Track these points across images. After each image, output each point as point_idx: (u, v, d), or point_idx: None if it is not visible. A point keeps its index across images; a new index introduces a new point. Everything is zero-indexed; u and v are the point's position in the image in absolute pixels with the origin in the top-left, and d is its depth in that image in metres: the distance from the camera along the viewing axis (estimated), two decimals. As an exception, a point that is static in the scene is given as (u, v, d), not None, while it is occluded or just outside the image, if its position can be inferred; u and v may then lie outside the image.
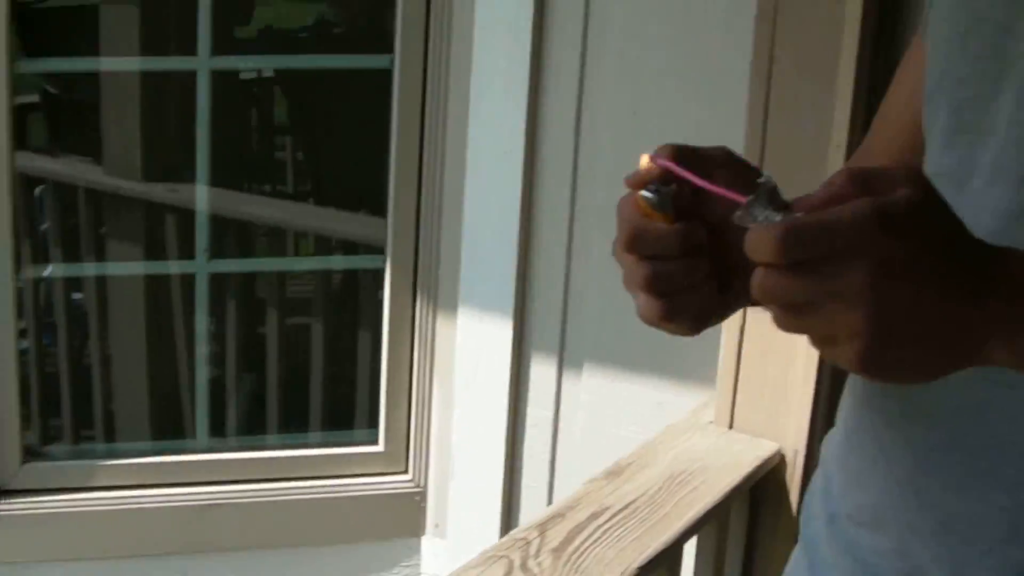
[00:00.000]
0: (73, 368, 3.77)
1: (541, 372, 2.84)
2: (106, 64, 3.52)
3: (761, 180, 0.85)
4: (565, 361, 2.79)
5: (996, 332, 0.83)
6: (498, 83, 2.74)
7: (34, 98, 4.71)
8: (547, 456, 2.88)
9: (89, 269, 3.59)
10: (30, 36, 4.64)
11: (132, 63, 3.54)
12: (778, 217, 0.82)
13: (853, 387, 1.21)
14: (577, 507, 2.05)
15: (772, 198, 0.84)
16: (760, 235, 0.80)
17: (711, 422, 2.38)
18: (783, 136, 2.15)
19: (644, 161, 0.97)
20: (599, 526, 1.99)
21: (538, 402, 2.86)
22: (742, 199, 0.85)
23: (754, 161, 2.17)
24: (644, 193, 0.95)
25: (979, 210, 1.04)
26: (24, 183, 3.65)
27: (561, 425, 2.85)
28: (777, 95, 2.13)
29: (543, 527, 1.97)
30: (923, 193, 0.82)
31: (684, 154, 0.98)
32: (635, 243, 0.96)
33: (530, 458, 2.92)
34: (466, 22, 2.80)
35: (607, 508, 2.04)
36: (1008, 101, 1.03)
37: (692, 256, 0.96)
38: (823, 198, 0.83)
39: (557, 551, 1.88)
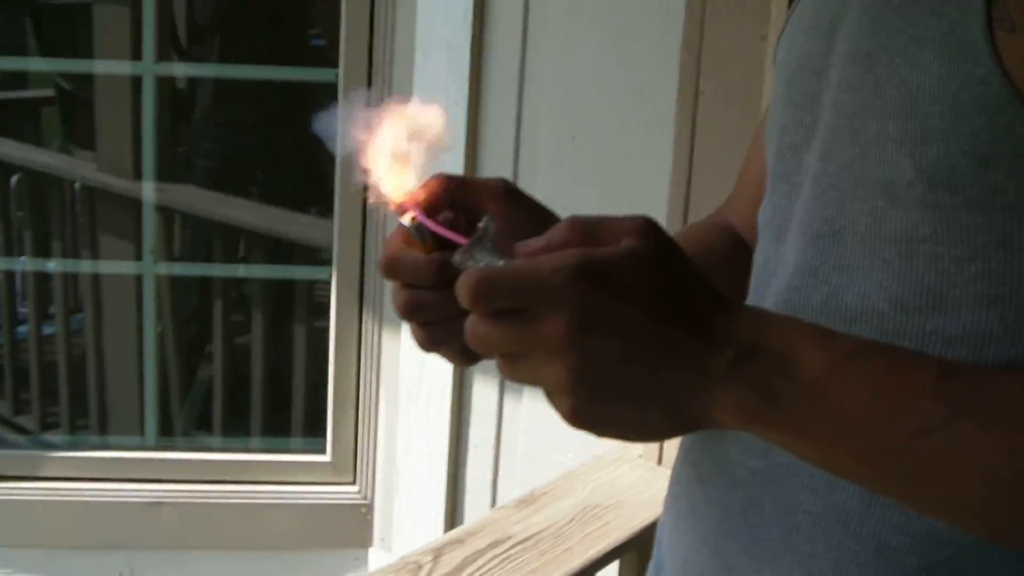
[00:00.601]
0: (33, 360, 3.79)
1: (483, 394, 2.83)
2: (59, 65, 3.54)
3: (481, 224, 0.82)
4: (506, 384, 2.77)
5: (719, 396, 0.79)
6: (438, 101, 2.73)
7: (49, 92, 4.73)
8: (489, 477, 2.87)
9: (41, 264, 3.58)
10: (44, 34, 4.68)
11: (85, 65, 3.54)
12: (500, 262, 0.80)
13: (681, 439, 1.19)
14: (479, 533, 2.02)
15: (498, 243, 0.82)
16: (461, 281, 0.78)
17: (640, 456, 2.35)
18: (709, 163, 2.14)
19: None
20: (497, 555, 1.95)
21: (480, 423, 2.84)
22: (463, 241, 0.83)
23: (682, 185, 2.17)
24: (403, 221, 0.92)
25: (786, 263, 1.02)
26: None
27: (503, 447, 2.83)
28: (703, 123, 2.13)
29: (439, 552, 1.94)
30: (652, 246, 0.79)
31: (453, 184, 0.94)
32: (389, 269, 0.93)
33: (472, 479, 2.90)
34: (407, 41, 2.80)
35: (509, 537, 2.01)
36: (815, 152, 1.00)
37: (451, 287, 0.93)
38: (541, 246, 0.80)
39: (446, 578, 1.85)
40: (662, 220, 2.22)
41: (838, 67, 0.98)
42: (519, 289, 0.77)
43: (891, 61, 0.90)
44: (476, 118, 2.69)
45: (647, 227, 0.80)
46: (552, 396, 0.80)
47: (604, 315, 0.76)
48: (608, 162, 2.51)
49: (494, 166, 2.69)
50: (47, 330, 3.79)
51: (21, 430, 3.73)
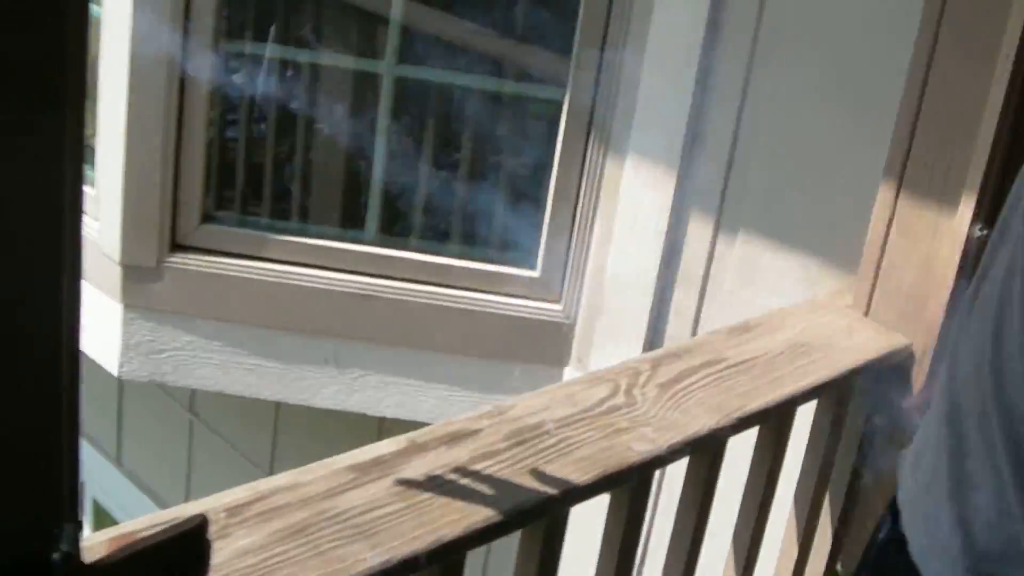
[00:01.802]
0: (264, 148, 3.88)
1: (698, 229, 2.90)
2: None
3: None
4: (722, 223, 2.85)
5: None
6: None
7: None
8: (692, 312, 2.94)
9: (287, 53, 3.63)
10: None
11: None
12: None
13: None
14: (694, 352, 2.09)
15: None
16: None
17: (849, 306, 2.39)
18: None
19: None
20: (711, 373, 2.02)
21: (691, 258, 2.91)
22: None
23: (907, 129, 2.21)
24: None
25: None
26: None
27: (709, 285, 2.89)
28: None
29: (656, 362, 2.02)
30: None
31: None
32: None
33: (676, 312, 2.97)
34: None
35: (723, 359, 2.08)
36: None
37: None
38: None
39: (664, 386, 1.94)
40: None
41: None
42: None
43: None
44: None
45: None
46: None
47: None
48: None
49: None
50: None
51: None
